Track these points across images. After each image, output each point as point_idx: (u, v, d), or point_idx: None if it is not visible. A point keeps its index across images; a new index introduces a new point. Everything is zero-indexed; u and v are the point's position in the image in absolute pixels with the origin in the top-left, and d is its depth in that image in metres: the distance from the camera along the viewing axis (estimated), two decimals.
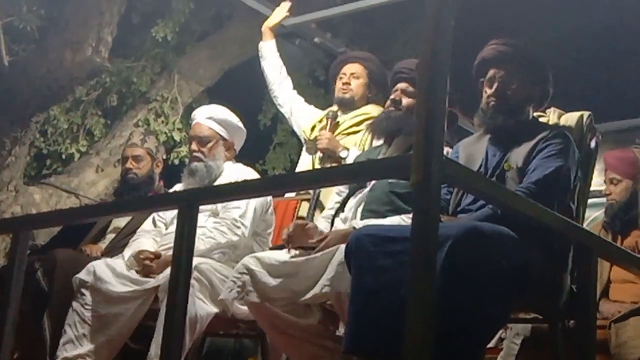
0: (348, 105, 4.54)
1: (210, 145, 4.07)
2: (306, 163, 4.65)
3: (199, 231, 3.70)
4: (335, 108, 4.60)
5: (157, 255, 3.78)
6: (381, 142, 3.67)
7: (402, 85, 3.58)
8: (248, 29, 7.24)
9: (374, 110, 4.43)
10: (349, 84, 4.55)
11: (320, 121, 4.57)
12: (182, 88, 7.19)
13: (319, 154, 4.38)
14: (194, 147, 4.10)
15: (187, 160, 6.83)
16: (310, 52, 7.44)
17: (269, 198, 4.00)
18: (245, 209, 3.87)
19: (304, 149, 4.76)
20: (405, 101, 3.55)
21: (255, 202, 3.90)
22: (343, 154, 4.27)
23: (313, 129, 4.61)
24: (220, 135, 4.10)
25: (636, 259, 2.90)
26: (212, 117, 4.11)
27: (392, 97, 3.61)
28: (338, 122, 4.46)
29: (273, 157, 8.23)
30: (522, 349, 3.81)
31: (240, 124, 4.20)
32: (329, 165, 4.29)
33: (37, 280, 3.99)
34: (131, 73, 7.06)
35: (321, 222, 3.53)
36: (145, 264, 3.76)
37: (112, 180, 6.78)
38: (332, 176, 2.44)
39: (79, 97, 6.82)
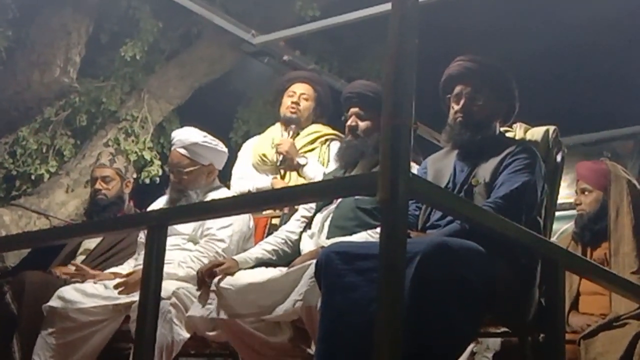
0: (294, 125, 4.55)
1: (188, 174, 4.00)
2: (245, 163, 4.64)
3: (179, 255, 3.75)
4: (278, 126, 4.63)
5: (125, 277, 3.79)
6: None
7: (354, 110, 3.61)
8: (217, 47, 7.26)
9: (323, 129, 4.50)
10: (298, 103, 4.56)
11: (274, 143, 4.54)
12: (151, 107, 7.15)
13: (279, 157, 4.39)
14: (172, 177, 4.06)
15: (157, 179, 6.88)
16: (279, 69, 7.43)
17: (251, 225, 3.98)
18: (228, 243, 3.85)
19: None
20: (361, 124, 3.58)
21: (239, 234, 3.88)
22: (301, 161, 4.32)
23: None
24: (199, 162, 4.02)
25: (602, 271, 2.92)
26: (186, 145, 4.01)
27: (347, 123, 3.64)
28: (298, 132, 4.52)
29: None
30: None
31: (216, 143, 4.11)
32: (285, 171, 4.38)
33: (6, 303, 3.97)
34: (100, 92, 7.00)
35: (306, 241, 3.52)
36: (117, 284, 3.76)
37: (83, 200, 6.71)
38: (299, 194, 2.44)
39: (48, 117, 6.76)
